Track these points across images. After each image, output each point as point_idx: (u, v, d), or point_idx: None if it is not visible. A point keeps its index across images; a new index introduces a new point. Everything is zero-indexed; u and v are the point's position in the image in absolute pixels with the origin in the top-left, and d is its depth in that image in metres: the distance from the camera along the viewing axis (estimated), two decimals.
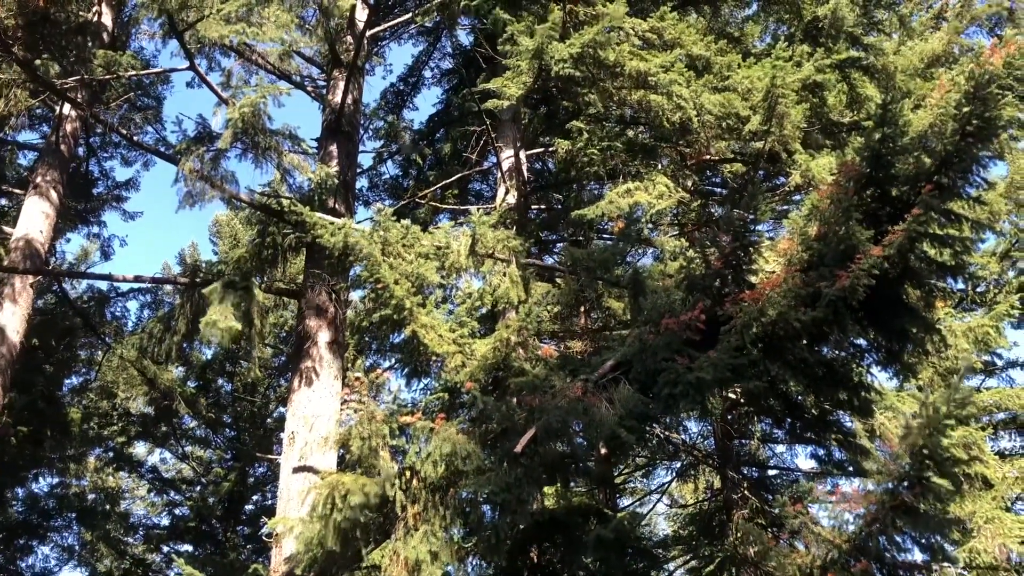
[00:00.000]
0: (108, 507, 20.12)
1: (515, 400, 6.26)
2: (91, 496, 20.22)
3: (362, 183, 14.71)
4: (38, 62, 10.74)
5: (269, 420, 20.66)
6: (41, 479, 19.15)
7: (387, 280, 7.11)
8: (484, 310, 8.69)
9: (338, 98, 10.88)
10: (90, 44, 11.40)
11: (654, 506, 17.67)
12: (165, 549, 20.42)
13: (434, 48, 14.71)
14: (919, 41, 11.93)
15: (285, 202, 9.01)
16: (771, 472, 12.85)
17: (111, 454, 19.98)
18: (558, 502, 9.53)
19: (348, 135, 11.04)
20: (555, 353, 7.37)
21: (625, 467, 16.22)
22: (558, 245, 13.93)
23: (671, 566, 13.28)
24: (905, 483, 4.66)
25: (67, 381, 18.62)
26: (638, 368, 5.92)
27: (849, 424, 8.79)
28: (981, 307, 12.37)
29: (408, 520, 5.95)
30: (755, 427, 11.72)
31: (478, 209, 9.02)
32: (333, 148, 10.75)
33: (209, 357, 19.51)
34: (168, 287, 16.64)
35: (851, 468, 9.81)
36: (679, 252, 9.04)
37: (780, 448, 12.91)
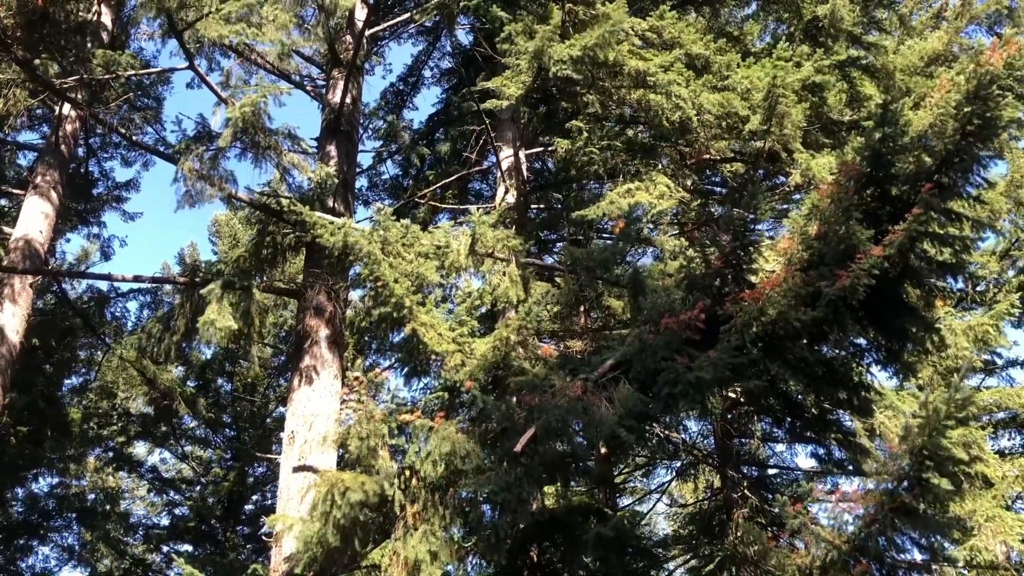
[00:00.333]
0: (108, 507, 20.11)
1: (515, 399, 6.26)
2: (91, 496, 20.22)
3: (361, 183, 14.72)
4: (37, 62, 10.73)
5: (269, 420, 20.66)
6: (41, 479, 19.17)
7: (387, 278, 7.11)
8: (484, 309, 8.69)
9: (337, 97, 10.87)
10: (89, 44, 11.39)
11: (654, 505, 17.68)
12: (165, 549, 20.43)
13: (433, 48, 14.70)
14: (919, 40, 11.93)
15: (285, 201, 9.01)
16: (771, 471, 12.85)
17: (111, 454, 19.98)
18: (558, 501, 9.54)
19: (348, 135, 11.04)
20: (555, 352, 7.37)
21: (625, 466, 16.23)
22: (558, 244, 13.93)
23: (671, 565, 13.29)
24: (904, 484, 4.66)
25: (67, 381, 18.63)
26: (638, 367, 5.92)
27: (849, 423, 8.79)
28: (981, 306, 12.38)
29: (408, 519, 5.95)
30: (755, 426, 11.72)
31: (478, 208, 9.02)
32: (332, 148, 10.74)
33: (209, 357, 19.51)
34: (168, 287, 16.62)
35: (851, 467, 9.82)
36: (679, 251, 9.03)
37: (780, 447, 12.92)
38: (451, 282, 8.37)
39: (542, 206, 13.60)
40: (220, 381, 20.54)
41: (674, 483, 16.03)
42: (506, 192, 10.67)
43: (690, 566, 12.80)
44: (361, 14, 11.64)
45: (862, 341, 6.03)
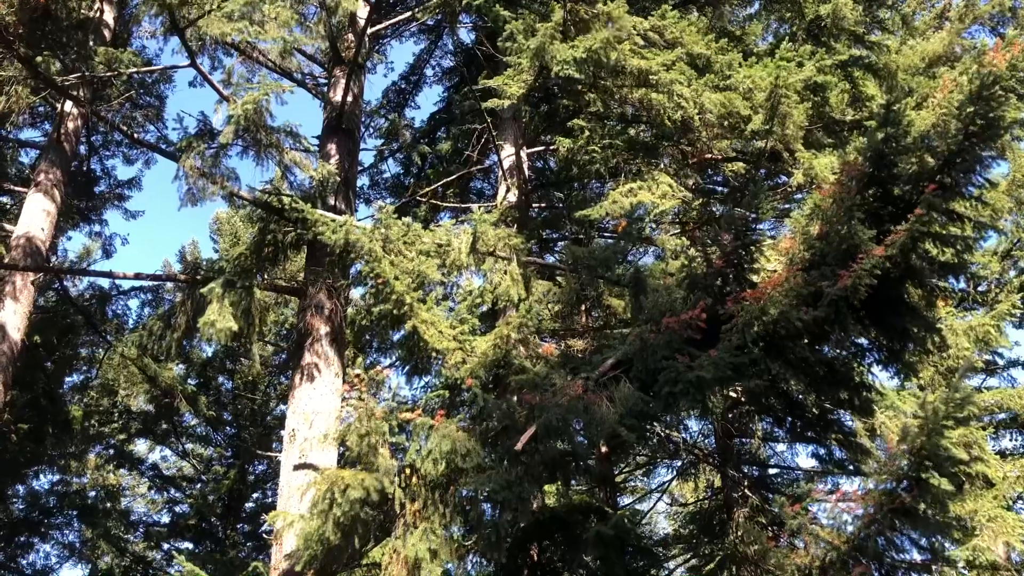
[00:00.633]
0: (109, 504, 20.15)
1: (515, 398, 6.26)
2: (92, 493, 20.25)
3: (363, 181, 14.73)
4: (39, 59, 10.73)
5: (269, 417, 20.69)
6: (42, 476, 19.21)
7: (387, 275, 7.11)
8: (485, 307, 8.69)
9: (339, 96, 10.87)
10: (91, 41, 11.39)
11: (654, 505, 17.69)
12: (165, 546, 20.46)
13: (435, 46, 14.70)
14: (921, 40, 11.93)
15: (286, 199, 9.01)
16: (772, 471, 12.86)
17: (112, 451, 20.00)
18: (558, 500, 9.54)
19: (349, 133, 11.03)
20: (556, 351, 7.37)
21: (626, 465, 16.23)
22: (559, 243, 13.92)
23: (671, 564, 13.29)
24: (904, 484, 4.66)
25: (68, 378, 18.65)
26: (639, 367, 5.92)
27: (850, 423, 8.80)
28: (982, 306, 12.36)
29: (408, 518, 5.95)
30: (756, 426, 11.73)
31: (479, 207, 9.02)
32: (334, 146, 10.74)
33: (209, 355, 19.54)
34: (169, 285, 16.65)
35: (852, 467, 9.82)
36: (680, 251, 9.02)
37: (781, 447, 12.92)
38: (452, 280, 8.38)
39: (543, 205, 13.61)
40: (221, 379, 20.57)
41: (675, 482, 16.02)
42: (507, 191, 10.67)
43: (690, 565, 12.81)
44: (363, 12, 11.64)
45: (863, 341, 6.03)
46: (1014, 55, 5.04)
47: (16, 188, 14.69)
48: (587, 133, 9.69)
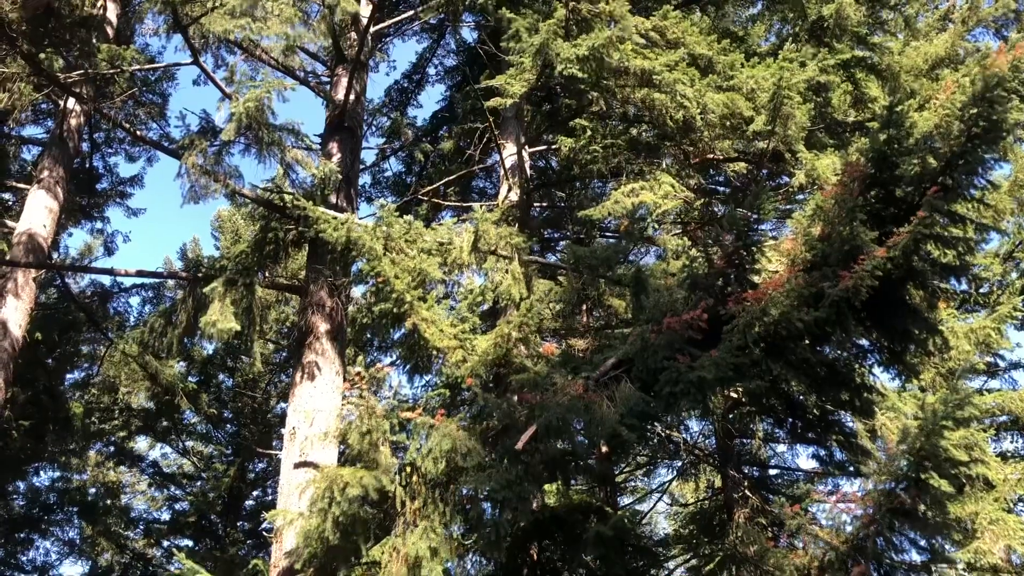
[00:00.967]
0: (109, 501, 20.18)
1: (516, 397, 6.25)
2: (92, 490, 20.28)
3: (365, 179, 14.73)
4: (42, 56, 10.73)
5: (270, 415, 20.70)
6: (42, 473, 19.23)
7: (388, 274, 7.11)
8: (486, 306, 8.69)
9: (341, 94, 10.87)
10: (95, 38, 11.39)
11: (655, 505, 17.69)
12: (165, 544, 20.47)
13: (438, 45, 14.71)
14: (924, 42, 11.90)
15: (288, 197, 9.01)
16: (772, 472, 12.86)
17: (112, 449, 20.03)
18: (558, 500, 9.53)
19: (351, 131, 11.03)
20: (556, 350, 7.37)
21: (626, 465, 16.23)
22: (560, 243, 13.93)
23: (671, 564, 13.29)
24: (903, 484, 4.66)
25: (69, 376, 18.68)
26: (640, 366, 5.92)
27: (851, 424, 8.78)
28: (984, 308, 12.35)
29: (408, 516, 5.95)
30: (756, 427, 11.72)
31: (481, 206, 9.02)
32: (336, 144, 10.74)
33: (210, 352, 19.55)
34: (170, 282, 16.68)
35: (852, 469, 9.81)
36: (682, 251, 9.03)
37: (781, 448, 12.92)
38: (453, 279, 8.38)
39: (545, 204, 13.61)
40: (222, 376, 20.58)
41: (675, 482, 16.03)
42: (509, 190, 10.67)
43: (690, 565, 12.81)
44: (366, 11, 11.64)
45: (864, 342, 6.03)
46: (1016, 56, 5.03)
47: (18, 185, 14.70)
48: (589, 132, 9.69)
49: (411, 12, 12.78)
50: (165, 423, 19.78)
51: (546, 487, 9.49)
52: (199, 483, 21.07)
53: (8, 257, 11.89)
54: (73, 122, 13.40)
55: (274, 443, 19.58)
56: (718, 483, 13.16)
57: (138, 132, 11.86)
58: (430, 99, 47.23)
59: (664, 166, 9.85)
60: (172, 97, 17.42)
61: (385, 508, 6.15)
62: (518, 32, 9.13)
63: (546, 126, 12.42)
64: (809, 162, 8.95)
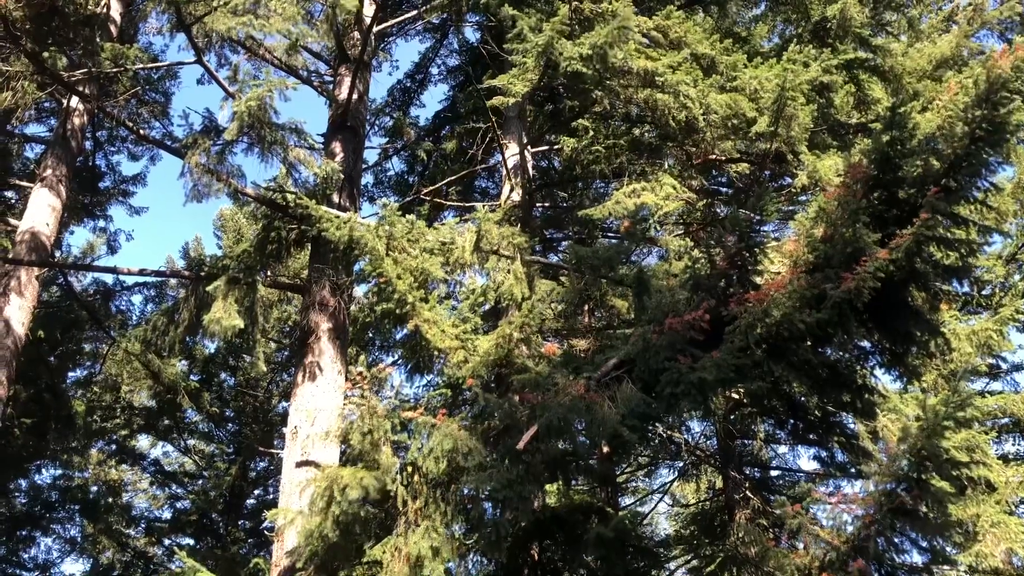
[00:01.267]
0: (110, 500, 20.20)
1: (517, 397, 6.25)
2: (94, 488, 20.30)
3: (367, 179, 14.74)
4: (46, 54, 10.74)
5: (272, 414, 20.71)
6: (44, 471, 19.27)
7: (390, 274, 7.11)
8: (487, 306, 8.69)
9: (344, 94, 10.87)
10: (98, 37, 11.41)
11: (656, 505, 17.71)
12: (167, 542, 20.49)
13: (441, 45, 14.71)
14: (928, 43, 11.88)
15: (290, 196, 9.01)
16: (773, 473, 12.86)
17: (114, 447, 20.05)
18: (559, 500, 9.53)
19: (354, 131, 11.04)
20: (558, 351, 7.37)
21: (627, 466, 16.23)
22: (563, 243, 13.93)
23: (672, 565, 13.29)
24: (904, 485, 4.66)
25: (71, 374, 18.70)
26: (641, 367, 5.92)
27: (852, 426, 8.77)
28: (986, 310, 12.33)
29: (410, 515, 5.96)
30: (758, 428, 11.72)
31: (483, 206, 9.02)
32: (339, 144, 10.75)
33: (212, 351, 19.57)
34: (172, 281, 16.69)
35: (854, 470, 9.80)
36: (684, 252, 9.02)
37: (783, 449, 12.92)
38: (455, 278, 8.38)
39: (547, 204, 13.61)
40: (223, 375, 20.60)
41: (676, 483, 16.03)
42: (511, 190, 10.67)
43: (691, 566, 12.81)
44: (369, 10, 11.64)
45: (866, 344, 6.02)
46: (1019, 57, 5.03)
47: (21, 183, 14.73)
48: (591, 133, 9.70)
49: (414, 12, 12.78)
50: (167, 421, 19.80)
51: (547, 487, 9.49)
52: (201, 482, 21.09)
53: (11, 255, 11.91)
54: (76, 121, 13.41)
55: (276, 442, 19.60)
56: (719, 484, 13.16)
57: (141, 131, 11.86)
58: (432, 99, 47.35)
59: (666, 167, 9.85)
60: (175, 96, 17.42)
61: (386, 507, 6.16)
62: (522, 31, 9.13)
63: (549, 126, 12.42)
64: (811, 163, 8.94)
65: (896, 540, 4.78)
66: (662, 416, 5.99)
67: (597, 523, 6.90)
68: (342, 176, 9.91)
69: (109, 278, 17.29)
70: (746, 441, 12.26)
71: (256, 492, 21.19)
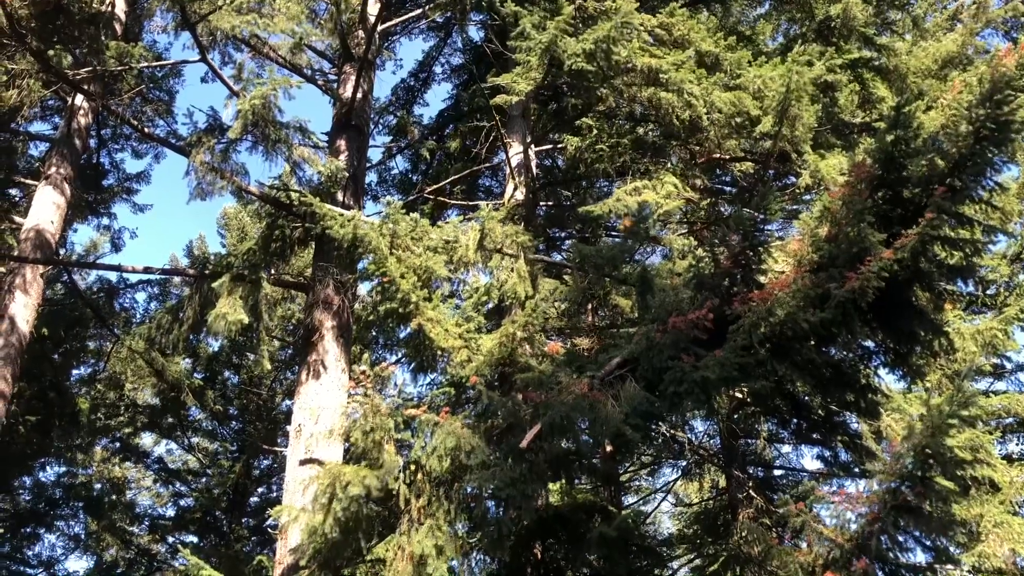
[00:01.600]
0: (114, 497, 20.24)
1: (521, 396, 6.26)
2: (97, 486, 20.34)
3: (371, 178, 14.75)
4: (51, 52, 10.77)
5: (276, 412, 20.75)
6: (48, 468, 19.32)
7: (393, 274, 7.12)
8: (491, 305, 8.69)
9: (348, 92, 10.89)
10: (103, 35, 11.43)
11: (659, 504, 17.69)
12: (170, 539, 20.54)
13: (444, 43, 14.72)
14: (933, 42, 11.86)
15: (294, 194, 9.03)
16: (777, 472, 12.84)
17: (118, 444, 20.10)
18: (563, 499, 9.53)
19: (358, 129, 11.05)
20: (561, 349, 7.37)
21: (630, 465, 16.22)
22: (566, 242, 13.93)
23: (675, 564, 13.30)
24: (908, 483, 4.66)
25: (75, 371, 18.76)
26: (645, 366, 5.91)
27: (856, 425, 8.78)
28: (991, 310, 12.30)
29: (413, 514, 5.96)
30: (761, 427, 11.71)
31: (487, 204, 9.02)
32: (343, 142, 10.76)
33: (216, 349, 19.61)
34: (176, 279, 16.73)
35: (857, 470, 9.79)
36: (688, 251, 9.02)
37: (786, 448, 12.90)
38: (459, 277, 8.38)
39: (551, 203, 13.61)
40: (227, 373, 20.64)
41: (679, 482, 16.02)
42: (515, 189, 10.67)
43: (694, 565, 12.81)
44: (374, 9, 11.65)
45: (870, 343, 6.01)
46: (1023, 55, 5.01)
47: (26, 181, 14.76)
48: (595, 132, 9.69)
49: (418, 11, 12.79)
50: (171, 419, 19.85)
51: (550, 486, 9.49)
52: (204, 479, 21.13)
53: (16, 253, 11.93)
54: (81, 119, 13.43)
55: (279, 440, 19.63)
56: (722, 483, 13.15)
57: (145, 129, 11.91)
58: (436, 97, 47.36)
59: (670, 166, 9.84)
60: (179, 94, 17.45)
61: (390, 506, 6.16)
62: (525, 29, 9.13)
63: (552, 125, 12.42)
64: (814, 163, 8.93)
65: (900, 539, 4.77)
66: (665, 415, 5.99)
67: (600, 522, 6.91)
68: (347, 174, 9.92)
69: (113, 276, 17.33)
70: (749, 440, 12.25)
71: (260, 490, 21.23)
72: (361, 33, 11.48)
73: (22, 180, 15.02)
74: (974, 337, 10.30)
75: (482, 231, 8.26)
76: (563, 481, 8.22)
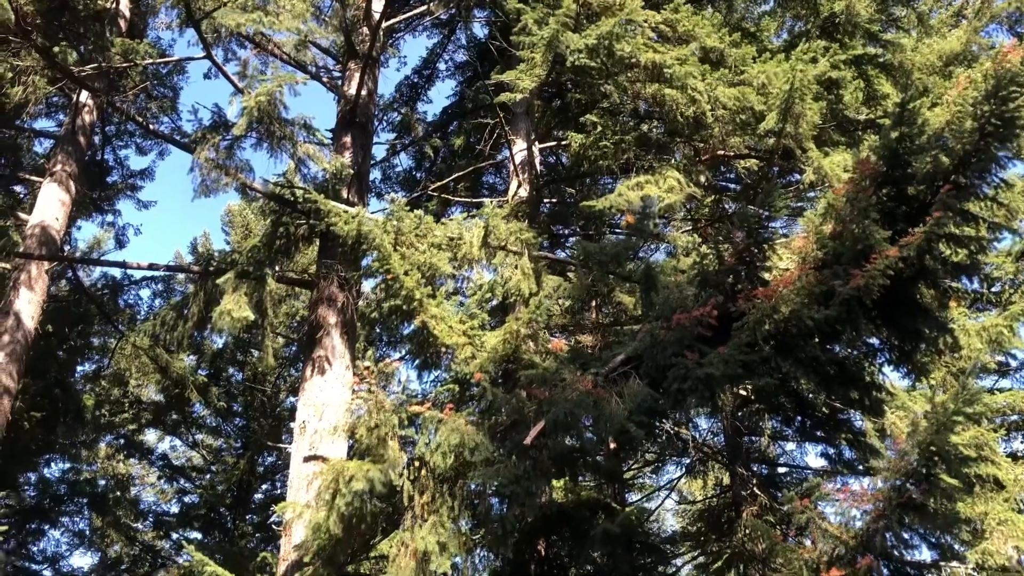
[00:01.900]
0: (118, 493, 20.28)
1: (525, 393, 6.26)
2: (102, 482, 20.38)
3: (375, 175, 14.76)
4: (56, 49, 10.79)
5: (279, 409, 20.77)
6: (53, 464, 19.35)
7: (397, 271, 7.13)
8: (495, 302, 8.70)
9: (353, 89, 10.88)
10: (108, 32, 11.44)
11: (663, 502, 17.70)
12: (175, 536, 20.58)
13: (449, 40, 14.70)
14: (937, 38, 11.82)
15: (299, 191, 9.03)
16: (781, 470, 12.84)
17: (122, 441, 20.14)
18: (566, 496, 9.54)
19: (363, 126, 11.05)
20: (565, 346, 7.38)
21: (634, 462, 16.23)
22: (570, 239, 13.93)
23: (679, 562, 13.30)
24: (913, 480, 4.65)
25: (80, 368, 18.78)
26: (649, 363, 5.91)
27: (860, 423, 8.77)
28: (996, 307, 12.27)
29: (416, 510, 5.97)
30: (765, 424, 11.70)
31: (491, 201, 9.02)
32: (348, 139, 10.76)
33: (221, 346, 19.63)
34: (180, 276, 16.74)
35: (861, 468, 9.78)
36: (692, 248, 9.00)
37: (790, 446, 12.91)
38: (463, 274, 8.39)
39: (555, 200, 13.61)
40: (231, 370, 20.66)
41: (683, 480, 16.02)
42: (519, 186, 10.67)
43: (698, 563, 12.81)
44: (378, 6, 11.64)
45: (875, 341, 6.01)
46: None
47: (31, 177, 14.78)
48: (599, 128, 9.68)
49: (422, 7, 12.78)
50: (175, 416, 19.89)
51: (554, 483, 9.51)
52: (208, 476, 21.17)
53: (22, 249, 11.96)
54: (86, 116, 13.46)
55: (284, 437, 19.67)
56: (726, 480, 13.15)
57: (150, 126, 11.90)
58: (440, 95, 47.38)
59: (674, 162, 9.83)
60: (183, 91, 17.45)
61: (393, 502, 6.17)
62: (527, 25, 9.13)
63: (556, 122, 12.41)
64: (817, 159, 8.91)
65: (905, 536, 4.77)
66: (669, 412, 5.99)
67: (604, 519, 6.92)
68: (351, 171, 9.92)
69: (117, 272, 17.35)
70: (753, 438, 12.25)
71: (264, 487, 21.25)
72: (365, 30, 11.48)
73: (27, 177, 15.04)
74: (979, 334, 10.27)
75: (486, 228, 8.26)
76: (567, 478, 8.23)
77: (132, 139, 17.01)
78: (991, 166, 5.26)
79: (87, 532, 19.77)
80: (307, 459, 8.48)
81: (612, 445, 11.85)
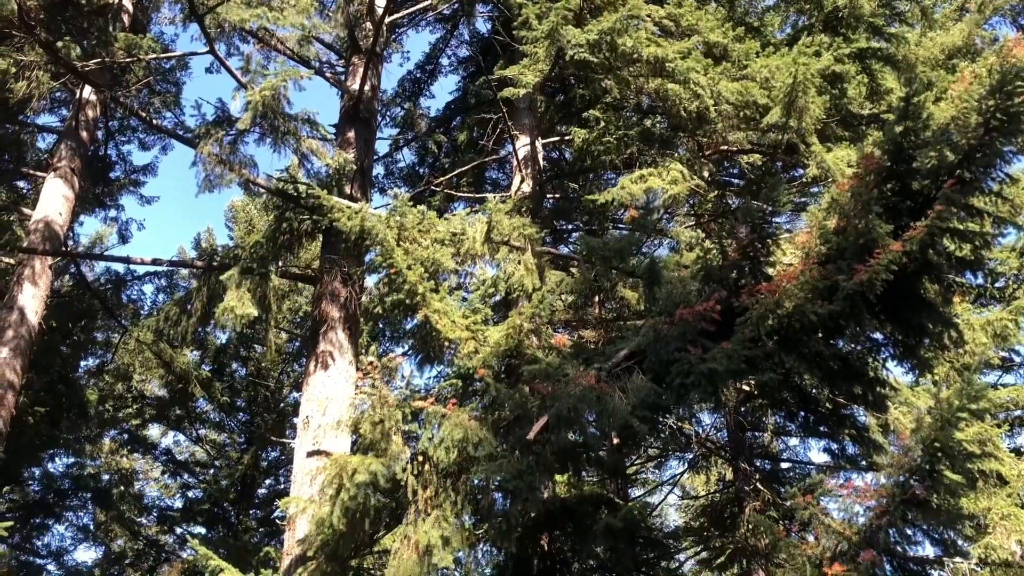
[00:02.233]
0: (122, 488, 20.37)
1: (528, 388, 6.26)
2: (106, 477, 20.47)
3: (378, 170, 14.74)
4: (60, 44, 10.79)
5: (283, 404, 20.82)
6: (57, 459, 19.42)
7: (400, 265, 7.12)
8: (498, 297, 8.70)
9: (356, 84, 10.87)
10: (111, 27, 11.43)
11: (665, 497, 17.72)
12: (178, 530, 20.65)
13: (451, 35, 14.68)
14: (941, 32, 11.78)
15: (302, 187, 9.03)
16: (784, 465, 12.85)
17: (126, 436, 20.20)
18: (569, 490, 9.56)
19: (366, 122, 11.04)
20: (568, 341, 7.38)
21: (637, 457, 16.24)
22: (573, 234, 13.92)
23: (682, 557, 13.30)
24: (916, 476, 4.65)
25: (83, 363, 18.84)
26: (652, 358, 5.91)
27: (863, 419, 8.76)
28: (1000, 302, 12.25)
29: (420, 505, 5.98)
30: (768, 420, 11.70)
31: (494, 197, 9.02)
32: (351, 134, 10.75)
33: (224, 341, 19.67)
34: (183, 271, 16.77)
35: (864, 463, 9.78)
36: (695, 243, 9.00)
37: (793, 441, 12.90)
38: (466, 269, 8.39)
39: (558, 195, 13.59)
40: (235, 365, 20.70)
41: (686, 475, 16.05)
42: (522, 181, 10.66)
43: (700, 558, 12.82)
44: (381, 1, 11.63)
45: (878, 336, 6.00)
46: None
47: (34, 173, 14.80)
48: (602, 124, 9.67)
49: (425, 2, 12.76)
50: (179, 411, 19.95)
51: (557, 478, 9.52)
52: (212, 471, 21.23)
53: (26, 244, 11.98)
54: (89, 111, 13.46)
55: (287, 431, 19.71)
56: (729, 476, 13.16)
57: (153, 121, 11.92)
58: (443, 90, 47.31)
59: (677, 156, 9.81)
60: (186, 86, 17.46)
61: (397, 497, 6.18)
62: (529, 19, 9.11)
63: (559, 117, 12.39)
64: (820, 154, 8.89)
65: (908, 532, 4.77)
66: (672, 407, 5.99)
67: (607, 514, 6.92)
68: (355, 167, 9.92)
69: (121, 267, 17.39)
70: (756, 433, 12.25)
71: (267, 481, 21.32)
72: (369, 25, 11.46)
73: (30, 172, 15.06)
74: (984, 329, 10.26)
75: (489, 223, 8.25)
76: (570, 473, 8.24)
77: (135, 134, 17.03)
78: (996, 161, 5.24)
79: (91, 527, 19.86)
80: (311, 454, 8.50)
81: (615, 440, 11.86)
